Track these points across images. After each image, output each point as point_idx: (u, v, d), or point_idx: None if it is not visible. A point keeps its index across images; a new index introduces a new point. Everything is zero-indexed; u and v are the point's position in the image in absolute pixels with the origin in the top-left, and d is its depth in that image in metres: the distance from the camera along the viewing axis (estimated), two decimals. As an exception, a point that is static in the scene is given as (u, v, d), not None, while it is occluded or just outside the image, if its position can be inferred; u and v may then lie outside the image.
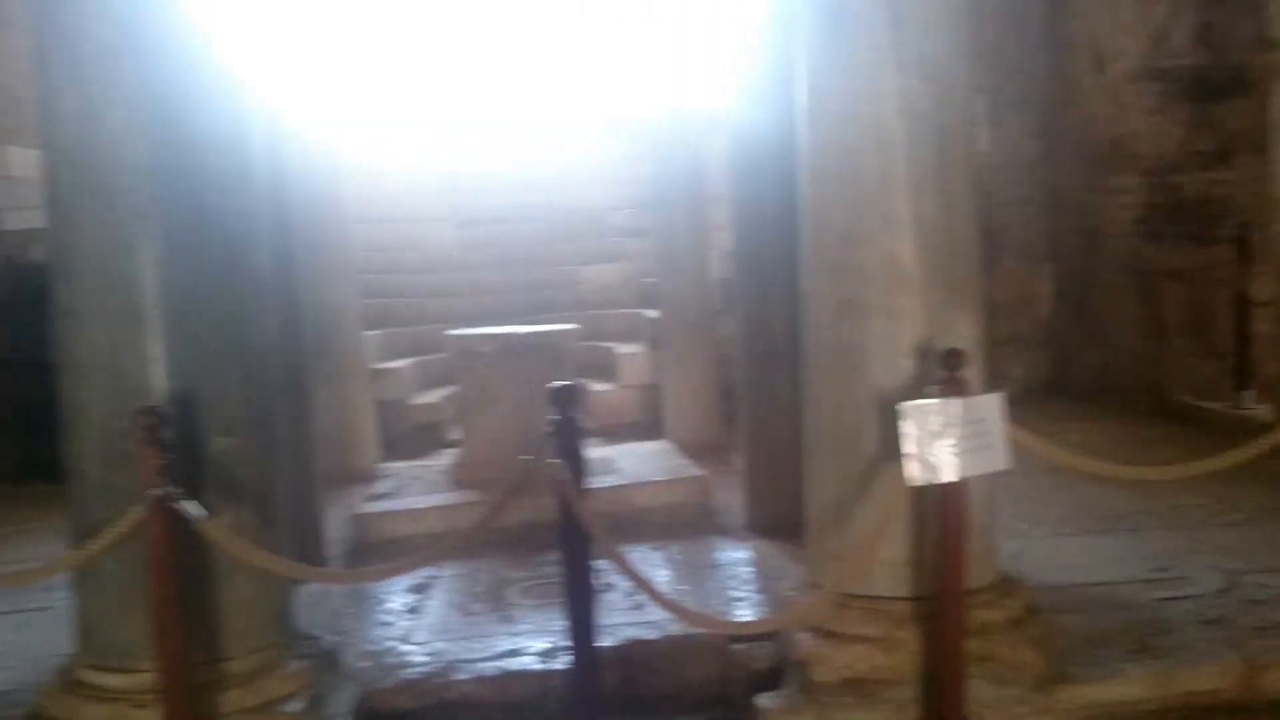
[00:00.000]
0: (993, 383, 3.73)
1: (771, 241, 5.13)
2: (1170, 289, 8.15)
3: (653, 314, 8.63)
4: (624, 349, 9.28)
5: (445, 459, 7.16)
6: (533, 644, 4.26)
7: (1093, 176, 8.84)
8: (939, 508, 3.35)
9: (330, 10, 7.40)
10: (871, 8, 3.47)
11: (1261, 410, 7.18)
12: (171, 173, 3.34)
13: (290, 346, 5.13)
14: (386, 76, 11.48)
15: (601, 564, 3.77)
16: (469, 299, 10.12)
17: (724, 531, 5.76)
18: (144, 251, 3.32)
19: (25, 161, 7.37)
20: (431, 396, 8.87)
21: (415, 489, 6.31)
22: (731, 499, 6.02)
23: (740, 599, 4.75)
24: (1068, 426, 7.66)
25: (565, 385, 3.42)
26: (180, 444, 3.22)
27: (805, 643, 3.69)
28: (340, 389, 7.32)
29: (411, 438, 8.40)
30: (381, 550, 5.58)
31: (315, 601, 4.68)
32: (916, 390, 3.40)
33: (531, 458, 3.40)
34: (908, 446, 3.22)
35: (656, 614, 4.17)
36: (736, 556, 5.33)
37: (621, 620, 4.42)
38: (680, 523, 5.92)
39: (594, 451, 6.79)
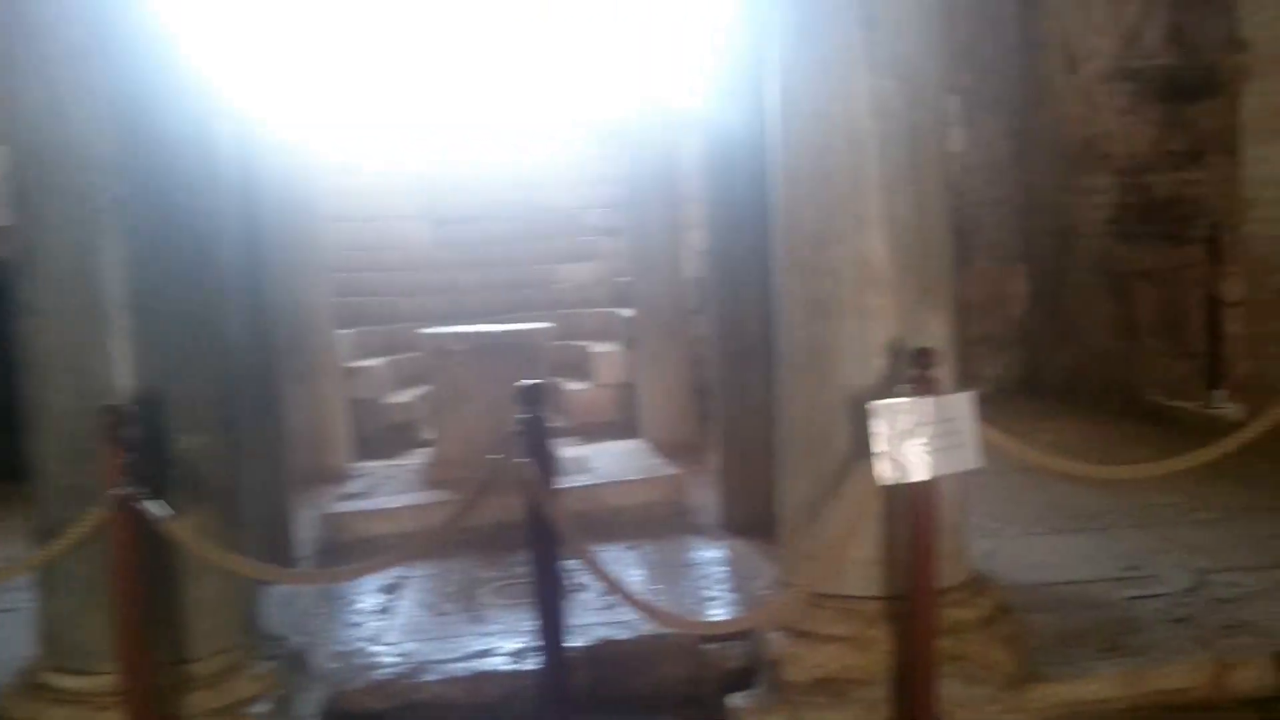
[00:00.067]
0: (965, 382, 3.73)
1: (744, 241, 5.12)
2: (1142, 289, 8.20)
3: (628, 313, 8.62)
4: (599, 348, 9.26)
5: (418, 458, 7.12)
6: (504, 644, 4.24)
7: (1065, 176, 8.88)
8: (910, 507, 3.34)
9: (303, 11, 7.34)
10: (843, 7, 3.46)
11: (1232, 410, 7.22)
12: (138, 171, 3.31)
13: (260, 345, 5.10)
14: (361, 77, 11.43)
15: (573, 564, 3.75)
16: (444, 297, 10.07)
17: (698, 530, 5.75)
18: (109, 249, 3.28)
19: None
20: (405, 395, 8.83)
21: (387, 488, 6.28)
22: (706, 498, 6.01)
23: (713, 598, 4.74)
24: (1040, 426, 7.69)
25: (533, 384, 3.40)
26: (144, 443, 3.19)
27: (777, 642, 3.68)
28: (313, 388, 7.27)
29: (385, 437, 8.35)
30: (353, 550, 5.54)
31: (285, 602, 4.64)
32: (888, 389, 3.40)
33: (500, 457, 3.37)
34: (879, 446, 3.22)
35: (629, 614, 4.14)
36: (710, 556, 5.32)
37: (593, 620, 4.40)
38: (654, 522, 5.91)
39: (568, 450, 6.78)
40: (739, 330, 5.39)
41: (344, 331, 8.50)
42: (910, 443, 3.22)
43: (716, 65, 5.55)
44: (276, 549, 5.12)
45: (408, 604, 4.81)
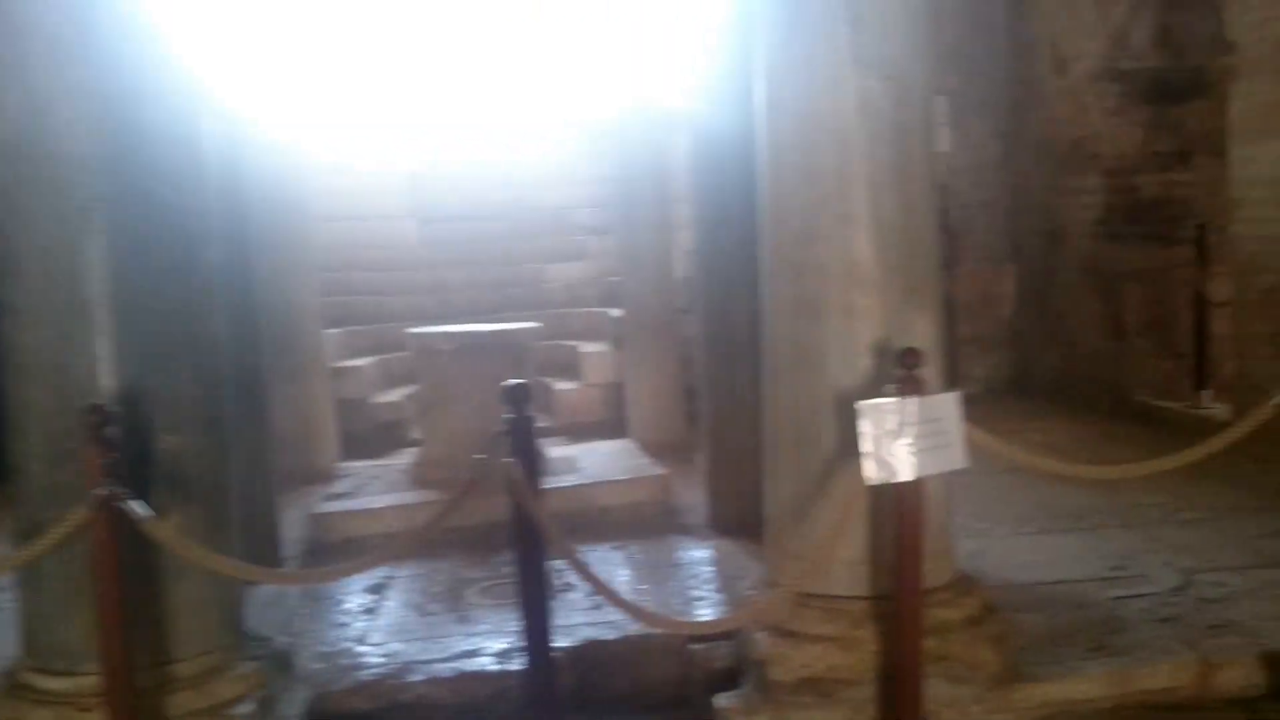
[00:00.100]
0: (954, 382, 3.74)
1: (733, 240, 5.12)
2: (1130, 289, 8.22)
3: (617, 312, 8.60)
4: (588, 347, 9.24)
5: (406, 458, 7.10)
6: (490, 644, 4.22)
7: (1054, 177, 8.90)
8: (896, 507, 3.33)
9: (292, 10, 7.32)
10: (830, 6, 3.46)
11: (1219, 410, 7.25)
12: (120, 167, 3.28)
13: (247, 344, 5.08)
14: (351, 76, 11.39)
15: (560, 564, 3.74)
16: (433, 297, 10.05)
17: (685, 530, 5.74)
18: (91, 247, 3.25)
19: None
20: (393, 395, 8.81)
21: (374, 488, 6.25)
22: (694, 497, 6.00)
23: (700, 598, 4.73)
24: (1029, 426, 7.72)
25: (519, 384, 3.39)
26: (127, 443, 3.16)
27: (763, 642, 3.67)
28: (301, 387, 7.24)
29: (373, 436, 8.33)
30: (339, 550, 5.52)
31: (270, 602, 4.63)
32: (874, 389, 3.39)
33: (485, 457, 3.35)
34: (865, 445, 3.21)
35: (616, 614, 4.12)
36: (697, 555, 5.32)
37: (580, 620, 4.39)
38: (642, 522, 5.90)
39: (556, 450, 6.79)
40: (727, 330, 5.38)
41: (332, 331, 8.49)
42: (896, 443, 3.22)
43: (706, 64, 5.54)
44: (262, 549, 5.09)
45: (394, 604, 4.79)
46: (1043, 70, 8.93)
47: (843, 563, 3.56)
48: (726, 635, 4.00)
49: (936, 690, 3.47)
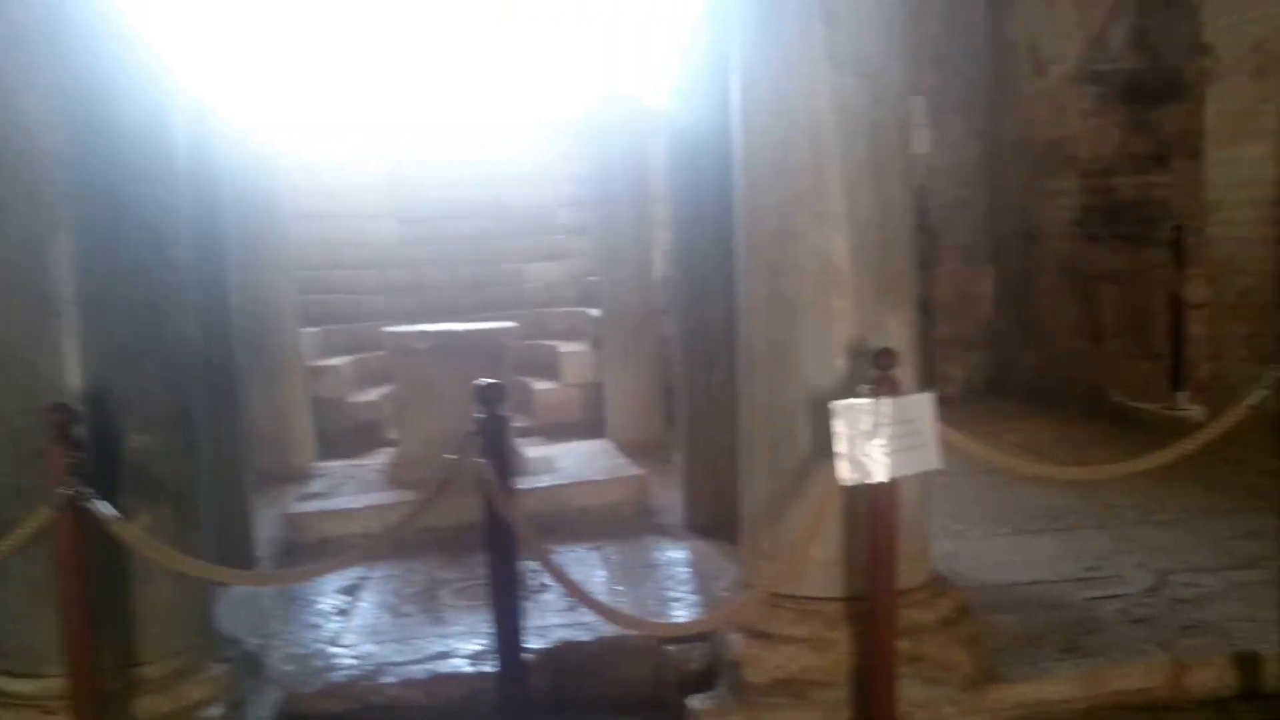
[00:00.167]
0: (930, 382, 3.73)
1: (709, 239, 5.10)
2: (1107, 290, 8.25)
3: (596, 312, 8.58)
4: (567, 347, 9.22)
5: (383, 458, 7.06)
6: (464, 646, 4.19)
7: (1032, 178, 8.93)
8: (870, 508, 3.32)
9: (270, 8, 7.27)
10: (804, 3, 3.43)
11: (1195, 411, 7.28)
12: (89, 164, 3.23)
13: (220, 342, 5.04)
14: (329, 74, 11.34)
15: (534, 565, 3.71)
16: (411, 296, 10.01)
17: (662, 531, 5.72)
18: (57, 243, 3.20)
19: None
20: (371, 394, 8.76)
21: (349, 488, 6.22)
22: (672, 498, 5.99)
23: (676, 599, 4.71)
24: (1007, 426, 7.73)
25: (491, 383, 3.36)
26: (94, 442, 3.13)
27: (737, 644, 3.66)
28: (277, 386, 7.20)
29: (350, 436, 8.28)
30: (314, 550, 5.49)
31: (243, 603, 4.60)
32: (849, 389, 3.38)
33: (456, 458, 3.33)
34: (839, 446, 3.20)
35: (590, 615, 4.10)
36: (673, 556, 5.30)
37: (555, 621, 4.37)
38: (619, 522, 5.89)
39: (534, 450, 6.77)
40: (703, 329, 5.37)
41: (309, 330, 8.43)
42: (870, 443, 3.21)
43: (682, 62, 5.53)
44: (236, 549, 5.05)
45: (368, 605, 4.76)
46: (1021, 71, 8.95)
47: (817, 563, 3.55)
48: (701, 637, 3.99)
49: (910, 691, 3.47)
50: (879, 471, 3.22)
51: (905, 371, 3.42)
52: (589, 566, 5.17)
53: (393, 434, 7.70)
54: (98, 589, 3.16)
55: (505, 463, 3.36)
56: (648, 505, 6.09)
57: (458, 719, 3.90)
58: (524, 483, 5.94)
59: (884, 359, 3.24)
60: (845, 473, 3.21)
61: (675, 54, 5.62)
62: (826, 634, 3.54)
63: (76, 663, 3.05)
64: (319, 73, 11.05)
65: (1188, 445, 3.64)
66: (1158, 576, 4.61)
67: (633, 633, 4.05)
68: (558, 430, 8.29)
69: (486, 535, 3.41)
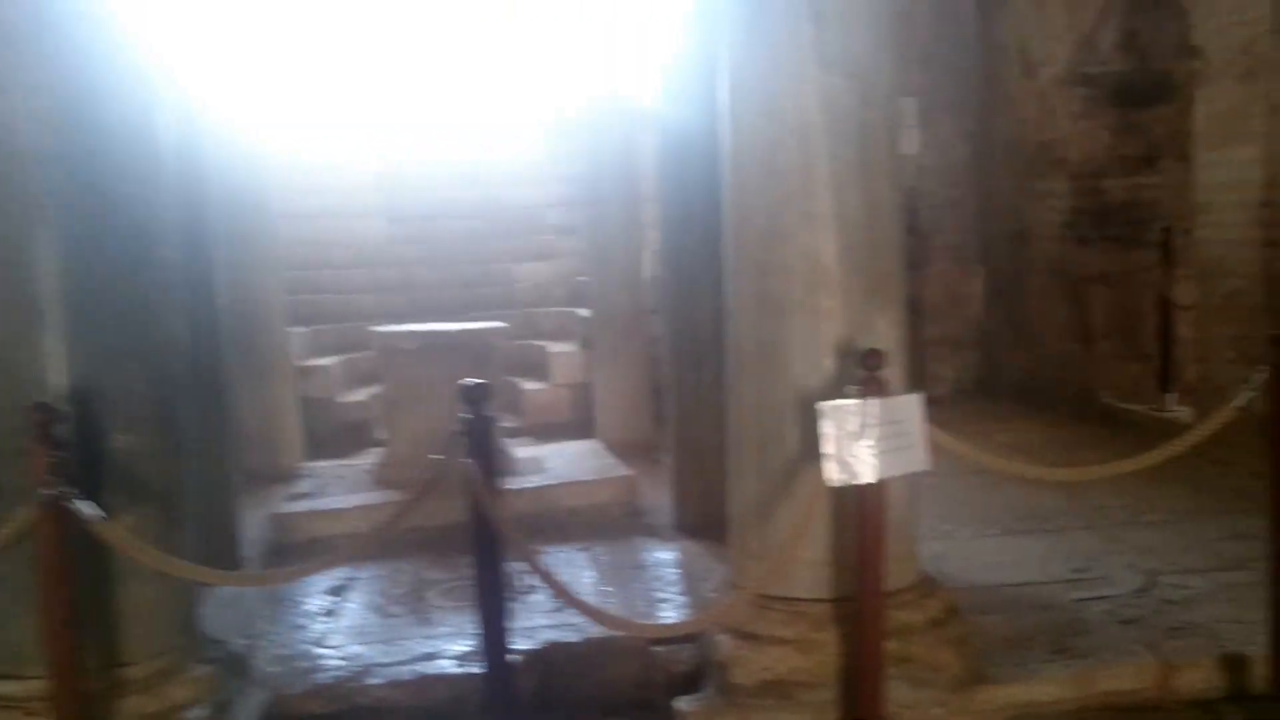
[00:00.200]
0: (918, 383, 3.72)
1: (698, 238, 5.09)
2: (1096, 292, 8.26)
3: (585, 312, 8.57)
4: (557, 347, 9.20)
5: (371, 458, 7.04)
6: (451, 647, 4.18)
7: (1022, 180, 8.93)
8: (858, 509, 3.32)
9: (261, 8, 7.25)
10: (793, 3, 3.43)
11: (1183, 412, 7.29)
12: (74, 163, 3.21)
13: (207, 342, 5.01)
14: (319, 74, 11.33)
15: (522, 566, 3.69)
16: (401, 295, 9.98)
17: (651, 532, 5.70)
18: (42, 241, 3.18)
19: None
20: (360, 394, 8.73)
21: (337, 488, 6.19)
22: (661, 498, 5.97)
23: (664, 600, 4.70)
24: (996, 427, 7.75)
25: (477, 383, 3.34)
26: (78, 442, 3.11)
27: (725, 645, 3.65)
28: (265, 386, 7.17)
29: (339, 436, 8.26)
30: (302, 551, 5.45)
31: (229, 604, 4.57)
32: (837, 390, 3.37)
33: (441, 458, 3.31)
34: (826, 447, 3.19)
35: (578, 616, 4.09)
36: (662, 557, 5.29)
37: (543, 622, 4.36)
38: (607, 523, 5.87)
39: (524, 451, 6.76)
40: (692, 330, 5.36)
41: (298, 329, 8.41)
42: (858, 444, 3.20)
43: (672, 62, 5.52)
44: (223, 549, 5.03)
45: (355, 606, 4.74)
46: (1011, 72, 8.96)
47: (805, 564, 3.54)
48: (689, 638, 3.98)
49: (898, 693, 3.46)
50: (867, 472, 3.22)
51: (893, 372, 3.41)
52: (577, 567, 5.15)
53: (381, 434, 7.68)
54: (81, 589, 3.13)
55: (491, 463, 3.34)
56: (637, 506, 6.08)
57: (444, 720, 3.89)
58: (513, 483, 5.94)
59: (872, 360, 3.23)
60: (833, 473, 3.20)
61: (664, 54, 5.61)
62: (814, 635, 3.54)
63: (59, 664, 3.02)
64: (309, 72, 11.04)
65: (1175, 447, 3.65)
66: (1146, 578, 4.61)
67: (620, 634, 4.03)
68: (547, 430, 8.27)
69: (472, 536, 3.39)
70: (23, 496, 3.02)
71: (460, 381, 3.40)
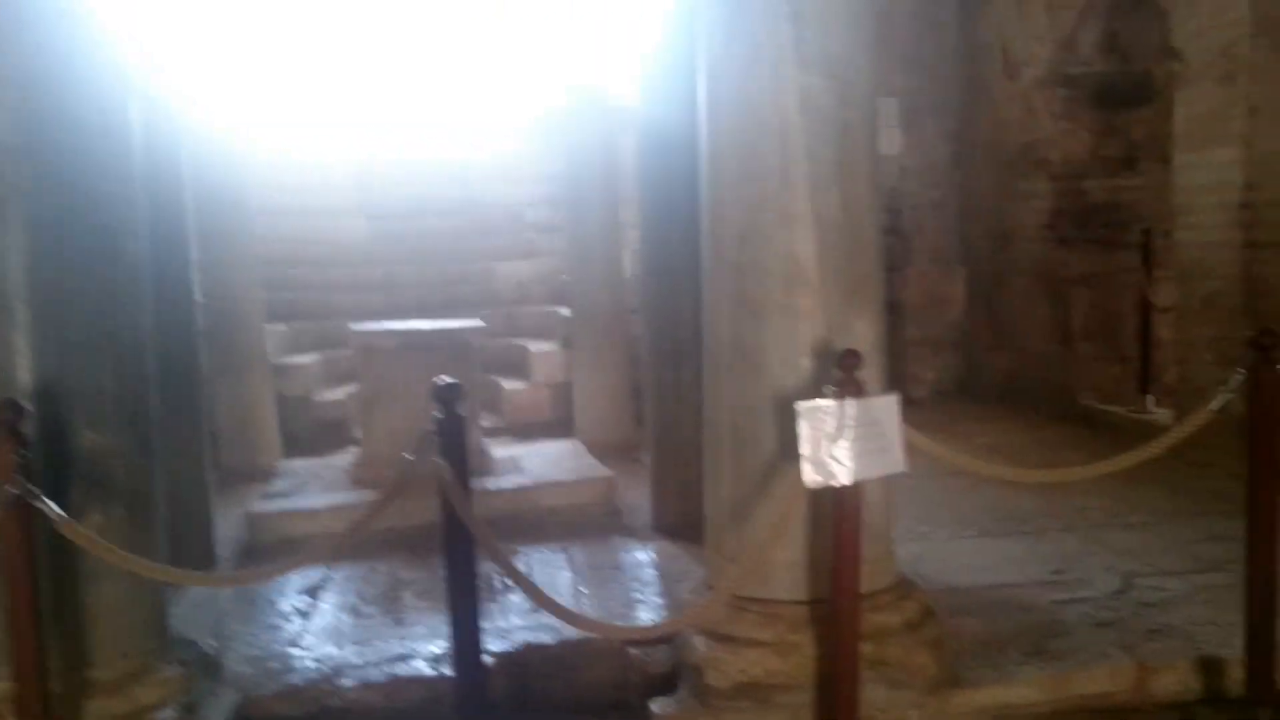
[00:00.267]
0: (895, 384, 3.70)
1: (678, 238, 5.05)
2: (1077, 293, 8.27)
3: (567, 311, 8.53)
4: (537, 346, 9.15)
5: (349, 457, 6.99)
6: (425, 648, 4.14)
7: (1004, 181, 8.94)
8: (834, 510, 3.29)
9: (242, 5, 7.19)
10: (771, 3, 3.40)
11: (1162, 414, 7.31)
12: (41, 156, 3.17)
13: (180, 338, 4.97)
14: (298, 70, 11.25)
15: (495, 567, 3.66)
16: (381, 293, 9.92)
17: (629, 532, 5.67)
18: (7, 236, 3.14)
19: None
20: (338, 392, 8.65)
21: (313, 487, 6.13)
22: (640, 498, 5.94)
23: (641, 601, 4.67)
24: (977, 428, 7.75)
25: (450, 382, 3.31)
26: (43, 439, 3.07)
27: (700, 647, 3.63)
28: (242, 383, 7.13)
29: (316, 434, 8.18)
30: (276, 550, 5.39)
31: (201, 604, 4.53)
32: (815, 391, 3.34)
33: (413, 458, 3.28)
34: (803, 448, 3.16)
35: (554, 618, 4.06)
36: (640, 558, 5.25)
37: (518, 623, 4.33)
38: (586, 523, 5.83)
39: (502, 450, 6.71)
40: (672, 330, 5.33)
41: (276, 327, 8.35)
42: (835, 445, 3.17)
43: (653, 61, 5.49)
44: (195, 549, 4.99)
45: (329, 606, 4.69)
46: (993, 73, 8.97)
47: (781, 566, 3.52)
48: (664, 639, 3.95)
49: (874, 695, 3.44)
50: (843, 474, 3.19)
51: (871, 373, 3.39)
52: (555, 568, 5.12)
53: (358, 433, 7.62)
54: (47, 590, 3.09)
55: (463, 463, 3.31)
56: (615, 506, 6.05)
57: (416, 722, 3.85)
58: (491, 483, 5.91)
59: (849, 360, 3.20)
60: (809, 475, 3.17)
61: (645, 53, 5.58)
62: (790, 637, 3.51)
63: (23, 665, 2.97)
64: (289, 70, 10.97)
65: (1153, 449, 3.64)
66: (1124, 579, 4.61)
67: (595, 635, 4.00)
68: (528, 430, 8.23)
69: (444, 537, 3.35)
70: (-13, 495, 2.97)
71: (434, 380, 3.36)
